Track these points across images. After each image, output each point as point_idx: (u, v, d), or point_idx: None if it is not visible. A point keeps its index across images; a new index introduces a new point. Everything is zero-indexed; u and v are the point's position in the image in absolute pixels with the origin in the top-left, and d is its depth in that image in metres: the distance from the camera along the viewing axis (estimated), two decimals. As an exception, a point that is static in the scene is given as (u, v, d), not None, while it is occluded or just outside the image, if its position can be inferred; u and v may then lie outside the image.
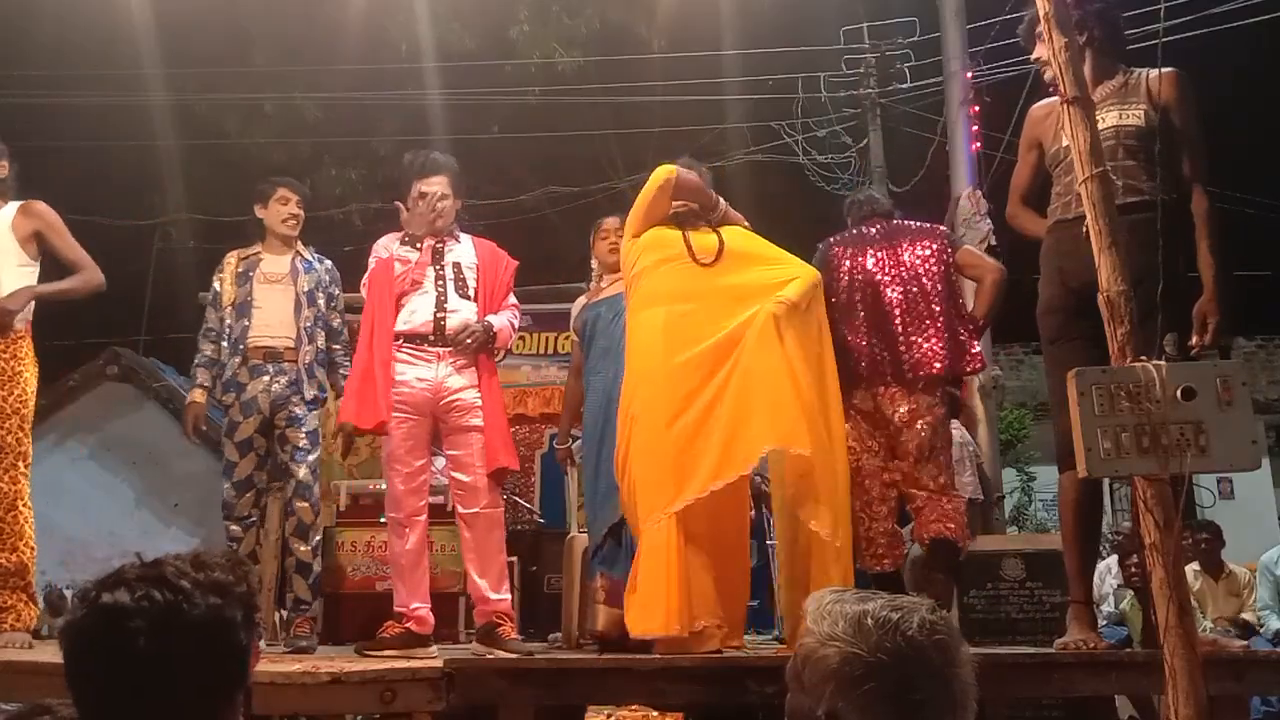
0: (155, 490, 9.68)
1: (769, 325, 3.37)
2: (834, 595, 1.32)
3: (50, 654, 3.22)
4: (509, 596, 3.74)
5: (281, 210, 4.32)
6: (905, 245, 3.81)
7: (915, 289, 3.74)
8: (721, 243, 3.60)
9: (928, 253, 3.80)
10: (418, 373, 3.75)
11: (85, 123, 11.56)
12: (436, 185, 3.87)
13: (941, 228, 4.15)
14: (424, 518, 3.77)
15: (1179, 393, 2.30)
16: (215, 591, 1.29)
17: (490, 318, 3.83)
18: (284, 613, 4.35)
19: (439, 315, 3.78)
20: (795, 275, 3.57)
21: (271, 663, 3.11)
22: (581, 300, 4.56)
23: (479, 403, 3.76)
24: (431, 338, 3.77)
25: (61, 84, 11.07)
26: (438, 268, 3.84)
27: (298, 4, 10.97)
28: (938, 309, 3.72)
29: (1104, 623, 6.23)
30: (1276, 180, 13.39)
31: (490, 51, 11.67)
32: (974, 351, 3.78)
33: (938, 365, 3.68)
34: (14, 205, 3.91)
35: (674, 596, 3.15)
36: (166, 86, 11.50)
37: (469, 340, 3.73)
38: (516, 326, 4.00)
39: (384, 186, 11.95)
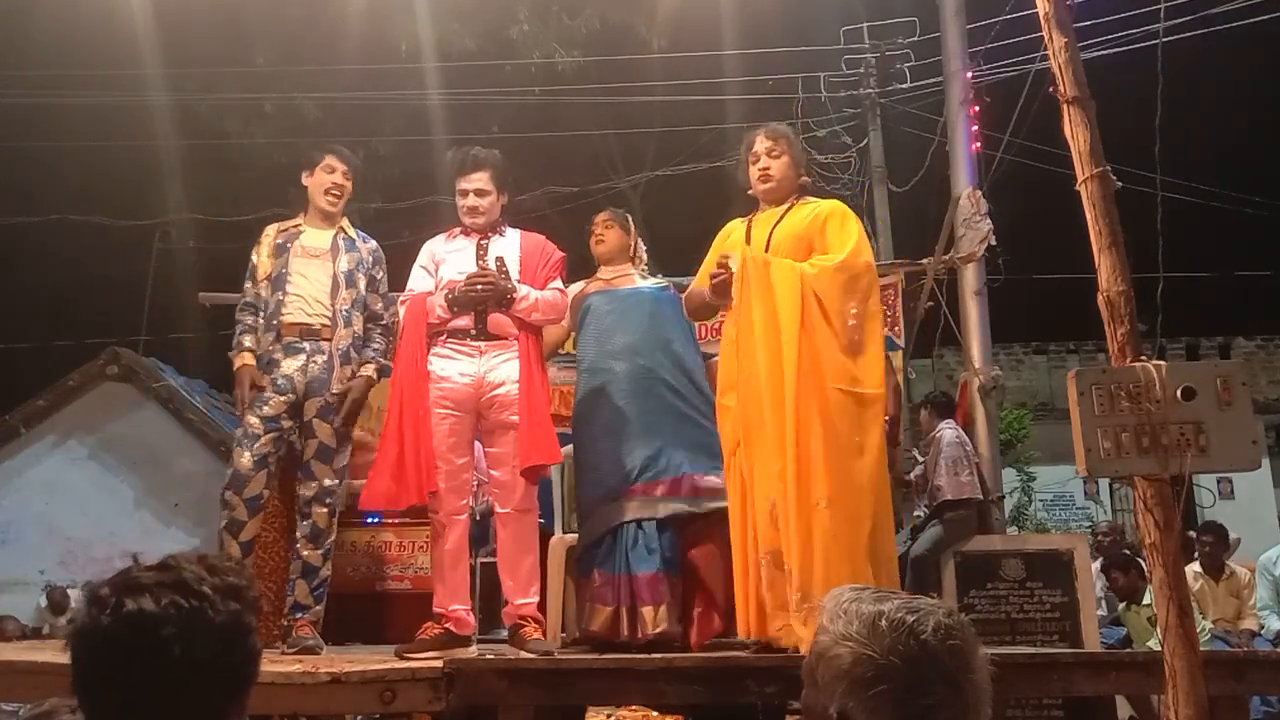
0: (155, 490, 9.68)
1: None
2: (852, 593, 1.30)
3: (50, 654, 3.21)
4: (535, 599, 3.64)
5: (324, 179, 3.99)
6: None
7: None
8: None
9: None
10: (460, 368, 3.65)
11: (85, 123, 11.56)
12: (476, 182, 3.81)
13: None
14: (464, 517, 3.67)
15: (1179, 393, 2.30)
16: (233, 596, 1.31)
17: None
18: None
19: (479, 310, 3.69)
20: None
21: (271, 663, 3.10)
22: (578, 286, 4.48)
23: (517, 397, 3.60)
24: (474, 332, 3.68)
25: (61, 84, 11.08)
26: (481, 263, 3.76)
27: (298, 4, 10.96)
28: None
29: (1102, 624, 6.24)
30: (1276, 180, 13.39)
31: (490, 51, 11.67)
32: None
33: None
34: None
35: None
36: (167, 86, 11.50)
37: (479, 287, 3.61)
38: (547, 303, 3.72)
39: (384, 187, 11.96)
